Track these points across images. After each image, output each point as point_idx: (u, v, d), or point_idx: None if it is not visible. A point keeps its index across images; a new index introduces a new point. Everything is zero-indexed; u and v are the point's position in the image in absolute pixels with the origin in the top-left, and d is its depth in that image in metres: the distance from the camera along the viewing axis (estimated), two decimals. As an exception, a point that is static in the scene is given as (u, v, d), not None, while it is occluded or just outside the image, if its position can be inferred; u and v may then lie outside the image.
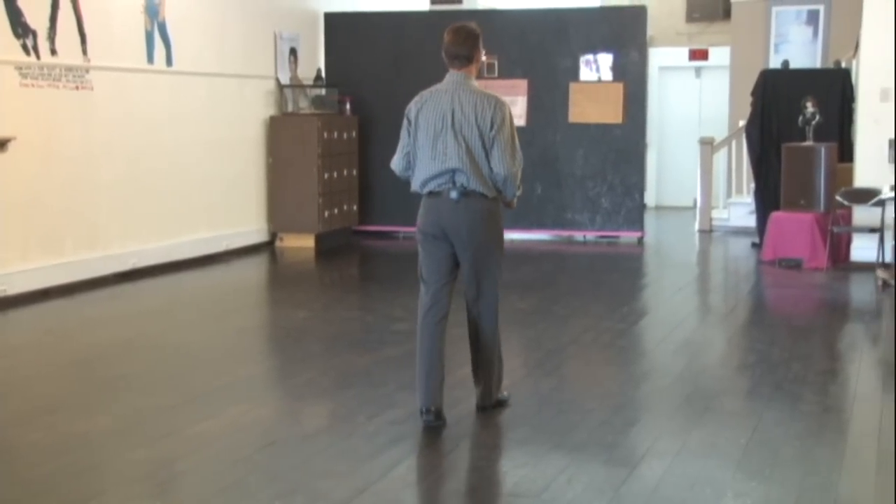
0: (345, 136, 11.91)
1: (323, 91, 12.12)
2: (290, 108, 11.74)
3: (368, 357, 6.57)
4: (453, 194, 5.04)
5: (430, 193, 5.11)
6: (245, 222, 11.24)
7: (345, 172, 11.91)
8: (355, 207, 12.24)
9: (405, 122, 5.23)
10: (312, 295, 9.01)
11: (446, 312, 5.19)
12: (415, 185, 5.20)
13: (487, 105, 5.04)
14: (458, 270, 5.21)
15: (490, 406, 5.33)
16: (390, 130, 12.53)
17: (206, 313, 8.13)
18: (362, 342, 7.07)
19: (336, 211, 11.73)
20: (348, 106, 12.17)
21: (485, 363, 5.28)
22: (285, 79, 11.80)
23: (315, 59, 12.48)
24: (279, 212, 11.50)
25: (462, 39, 5.11)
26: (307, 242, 11.44)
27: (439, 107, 5.10)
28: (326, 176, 11.48)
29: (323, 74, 12.34)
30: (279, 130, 11.46)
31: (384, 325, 7.55)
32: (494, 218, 5.13)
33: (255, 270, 10.59)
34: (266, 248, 11.42)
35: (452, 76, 5.17)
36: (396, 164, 5.29)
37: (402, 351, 6.69)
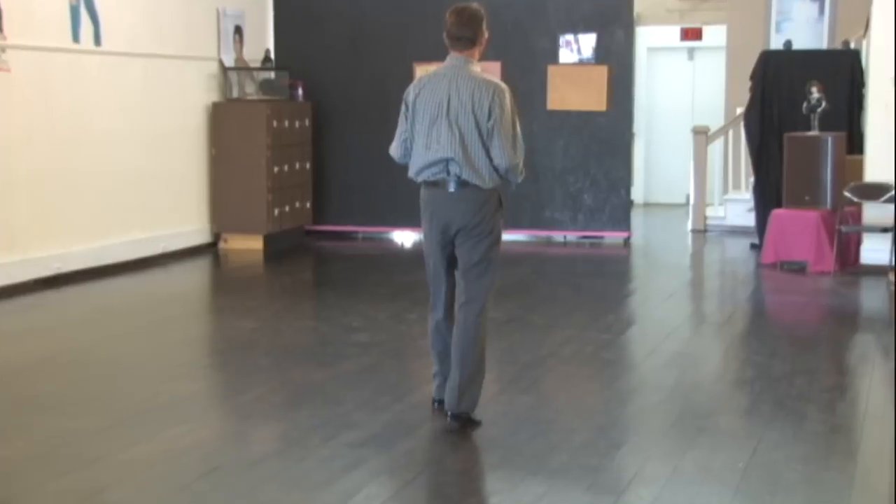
0: (297, 124, 11.88)
1: (272, 74, 12.08)
2: (234, 94, 11.70)
3: (323, 372, 6.55)
4: (450, 186, 5.35)
5: (426, 184, 5.45)
6: (184, 221, 11.18)
7: (297, 166, 11.88)
8: (309, 205, 12.21)
9: (403, 106, 5.52)
10: (260, 303, 8.97)
11: (445, 311, 5.56)
12: (411, 173, 5.52)
13: (486, 92, 5.30)
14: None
15: (459, 417, 5.38)
16: (348, 118, 12.69)
17: (139, 324, 8.08)
18: (317, 355, 7.05)
19: (287, 209, 11.70)
20: (301, 91, 12.13)
21: (461, 370, 5.40)
22: (229, 60, 11.75)
23: (263, 39, 12.44)
24: (223, 210, 11.45)
25: (466, 21, 5.39)
26: (255, 244, 11.40)
27: (437, 92, 5.38)
28: (276, 169, 11.44)
29: (272, 55, 12.30)
30: (223, 118, 11.41)
31: (341, 336, 7.53)
32: (490, 212, 5.39)
33: (195, 275, 10.52)
34: (208, 250, 11.37)
35: (453, 59, 5.45)
36: (395, 150, 5.61)
37: (360, 365, 6.68)
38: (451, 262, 5.51)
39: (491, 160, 5.32)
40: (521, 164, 5.40)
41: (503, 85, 5.40)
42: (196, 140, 11.34)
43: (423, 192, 5.50)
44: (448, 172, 5.35)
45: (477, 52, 5.46)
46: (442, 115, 5.35)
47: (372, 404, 5.83)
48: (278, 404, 5.92)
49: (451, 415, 5.41)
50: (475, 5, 5.44)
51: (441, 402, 5.59)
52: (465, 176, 5.32)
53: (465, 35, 5.40)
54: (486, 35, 5.48)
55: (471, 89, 5.33)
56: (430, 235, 5.51)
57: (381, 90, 12.17)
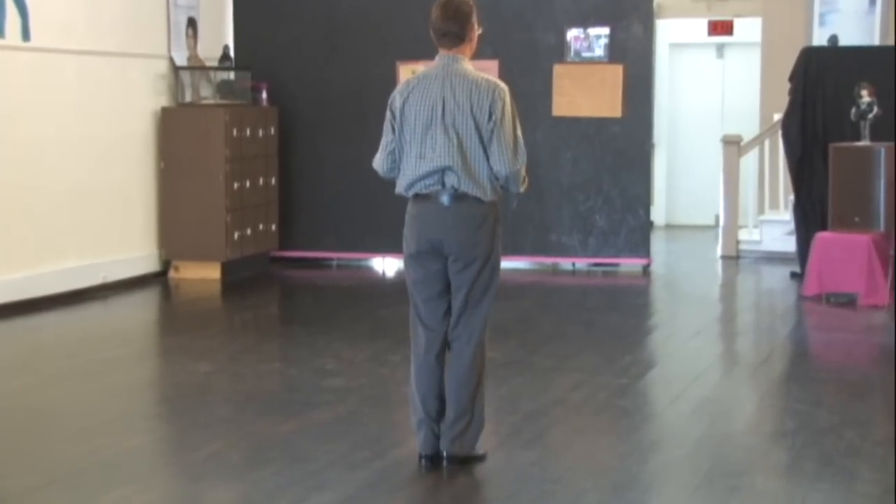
0: (260, 133, 11.90)
1: (231, 75, 12.10)
2: (187, 97, 11.71)
3: (291, 423, 6.53)
4: (444, 198, 5.51)
5: (417, 196, 5.59)
6: (128, 247, 11.17)
7: (261, 181, 11.89)
8: (274, 227, 12.20)
9: (388, 114, 5.67)
10: (217, 342, 8.95)
11: (446, 343, 5.67)
12: (399, 188, 5.67)
13: (485, 92, 5.50)
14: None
15: (456, 458, 5.60)
16: (321, 126, 12.71)
17: (75, 367, 8.04)
18: (283, 404, 7.03)
19: (249, 232, 11.69)
20: (265, 94, 12.15)
21: (457, 407, 5.59)
22: (181, 59, 11.77)
23: (221, 34, 12.47)
24: (174, 233, 11.44)
25: (452, 13, 5.56)
26: (211, 273, 11.39)
27: (428, 96, 5.55)
28: (236, 186, 11.45)
29: (231, 53, 12.33)
30: (174, 126, 11.42)
31: (312, 381, 7.52)
32: (490, 228, 5.58)
33: (141, 310, 10.50)
34: (156, 280, 11.36)
35: (442, 58, 5.63)
36: (379, 163, 5.76)
37: (334, 415, 6.67)
38: (445, 287, 5.64)
39: (490, 168, 5.50)
40: (522, 171, 5.59)
41: (502, 84, 5.57)
42: (142, 151, 11.34)
43: (411, 206, 5.63)
44: (443, 184, 5.51)
45: (468, 48, 5.63)
46: (436, 119, 5.50)
47: (348, 461, 5.82)
48: (238, 462, 5.90)
49: (447, 455, 5.62)
50: None
51: (430, 457, 5.65)
52: (462, 187, 5.49)
53: (452, 30, 5.57)
54: (477, 30, 5.64)
55: (468, 89, 5.50)
56: (417, 256, 5.61)
57: (359, 93, 12.20)
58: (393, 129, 5.64)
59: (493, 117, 5.47)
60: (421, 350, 5.71)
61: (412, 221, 5.63)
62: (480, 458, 5.70)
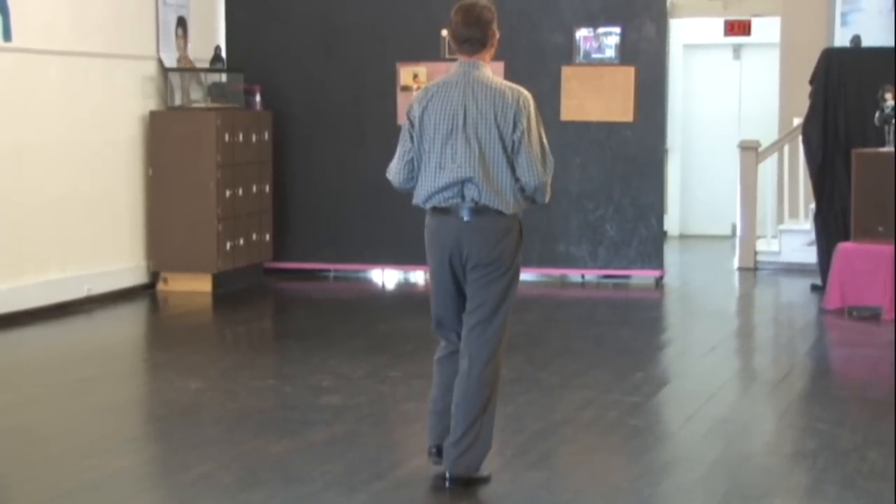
0: (254, 138, 11.91)
1: (223, 77, 12.12)
2: (177, 101, 11.73)
3: (285, 443, 6.53)
4: (463, 213, 5.62)
5: (435, 210, 5.69)
6: (114, 258, 11.18)
7: (254, 189, 11.90)
8: (268, 237, 12.22)
9: (406, 123, 5.76)
10: (208, 358, 8.96)
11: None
12: (417, 199, 5.76)
13: (510, 99, 5.60)
14: None
15: (458, 479, 5.64)
16: (317, 131, 12.72)
17: (58, 385, 8.04)
18: (277, 423, 7.04)
19: (241, 242, 11.70)
20: (258, 98, 12.17)
21: (464, 423, 5.62)
22: (171, 60, 11.79)
23: (212, 34, 12.49)
24: (162, 243, 11.45)
25: (474, 20, 5.65)
26: (201, 285, 11.39)
27: (449, 104, 5.64)
28: (228, 193, 11.46)
29: (223, 54, 12.35)
30: (163, 131, 11.44)
31: (307, 398, 7.52)
32: (511, 243, 5.70)
33: (128, 324, 10.50)
34: (144, 293, 11.36)
35: (463, 65, 5.71)
36: (395, 174, 5.82)
37: (330, 434, 6.67)
38: (464, 300, 5.77)
39: (517, 179, 5.60)
40: (548, 183, 5.69)
41: (526, 91, 5.68)
42: (129, 157, 11.35)
43: (429, 219, 5.73)
44: (463, 197, 5.60)
45: (488, 54, 5.73)
46: (458, 128, 5.60)
47: (345, 483, 5.82)
48: (230, 484, 5.89)
49: (448, 476, 5.66)
50: (485, 1, 5.70)
51: (439, 449, 5.75)
52: (484, 200, 5.59)
53: (474, 36, 5.66)
54: (497, 35, 5.75)
55: (491, 97, 5.60)
56: (438, 270, 5.76)
57: (357, 97, 12.23)
58: (411, 137, 5.71)
59: (520, 127, 5.57)
60: (437, 357, 5.90)
61: (432, 236, 5.74)
62: (485, 480, 5.72)
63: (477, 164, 5.57)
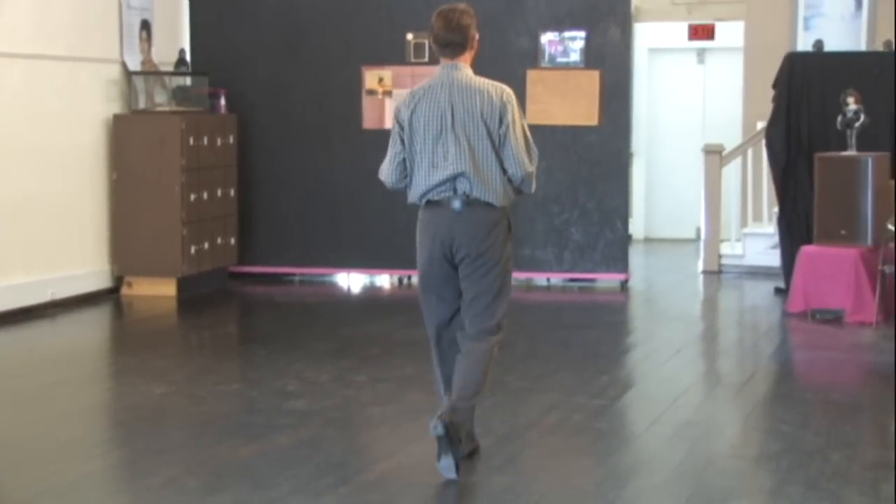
0: (219, 141, 11.89)
1: (188, 80, 12.08)
2: (141, 104, 11.69)
3: (251, 448, 6.53)
4: (456, 204, 5.94)
5: (429, 203, 6.02)
6: (78, 262, 11.13)
7: (219, 193, 11.87)
8: (233, 241, 12.19)
9: (396, 126, 6.09)
10: (173, 362, 8.93)
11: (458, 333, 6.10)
12: (412, 198, 6.10)
13: (495, 96, 5.97)
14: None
15: (451, 424, 5.87)
16: (282, 135, 12.69)
17: (22, 390, 8.02)
18: (242, 427, 7.02)
19: (206, 246, 11.68)
20: (223, 101, 12.15)
21: (462, 389, 6.00)
22: (134, 63, 11.76)
23: (177, 37, 12.46)
24: (126, 247, 11.41)
25: (455, 25, 6.01)
26: (166, 290, 11.36)
27: (436, 105, 5.98)
28: (193, 197, 11.43)
29: (188, 57, 12.32)
30: (126, 134, 11.40)
31: (272, 403, 7.51)
32: (501, 234, 6.05)
33: (91, 329, 10.46)
34: (108, 297, 11.32)
35: (445, 68, 6.07)
36: (387, 175, 6.15)
37: (296, 438, 6.66)
38: (457, 290, 6.08)
39: (504, 171, 5.96)
40: (534, 174, 6.06)
41: (507, 87, 6.07)
42: (92, 161, 11.31)
43: (422, 212, 6.07)
44: (455, 190, 5.95)
45: (469, 56, 6.10)
46: (447, 128, 5.95)
47: (311, 487, 5.82)
48: (195, 489, 5.89)
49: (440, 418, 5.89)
50: (463, 6, 6.06)
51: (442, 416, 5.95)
52: (475, 193, 5.94)
53: (455, 40, 6.03)
54: (477, 37, 6.11)
55: (477, 95, 5.97)
56: (430, 260, 6.04)
57: (322, 100, 12.22)
58: (401, 140, 6.04)
59: (505, 122, 5.93)
60: (432, 344, 6.23)
61: (424, 227, 6.05)
62: (476, 448, 6.21)
63: (468, 160, 5.90)
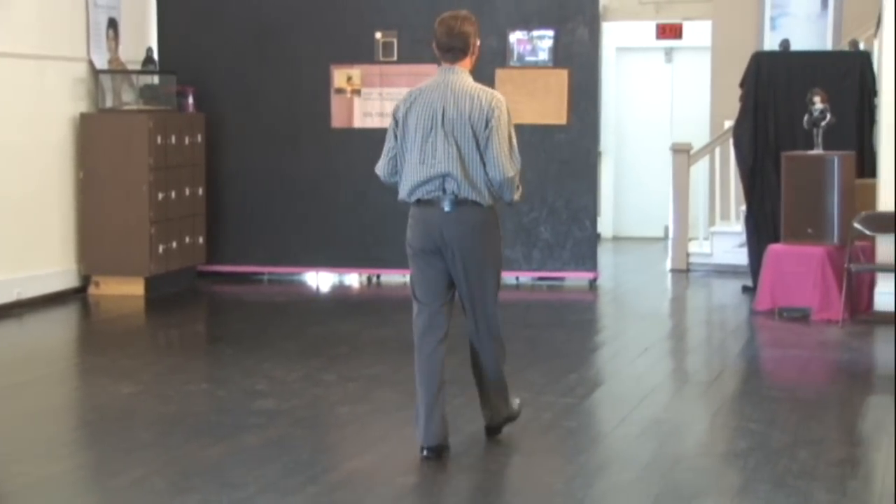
0: (187, 140, 11.86)
1: (155, 79, 12.05)
2: (108, 103, 11.65)
3: (219, 447, 6.52)
4: (445, 204, 6.19)
5: (419, 202, 6.26)
6: (44, 262, 11.09)
7: (187, 192, 11.84)
8: (201, 240, 12.17)
9: (392, 122, 6.36)
10: (141, 362, 8.90)
11: (445, 334, 6.40)
12: (402, 194, 6.33)
13: (484, 101, 6.20)
14: (455, 289, 6.39)
15: (499, 425, 6.59)
16: (251, 133, 12.66)
17: (-11, 389, 7.98)
18: (211, 427, 7.00)
19: (174, 245, 11.65)
20: (191, 100, 12.12)
21: (490, 393, 6.55)
22: (101, 62, 11.72)
23: (144, 35, 12.42)
24: (94, 247, 11.37)
25: (458, 32, 6.28)
26: (133, 289, 11.33)
27: (430, 105, 6.23)
28: (161, 196, 11.40)
29: (155, 56, 12.28)
30: (93, 133, 11.36)
31: (242, 402, 7.49)
32: (490, 230, 6.32)
33: (58, 328, 10.42)
34: (75, 297, 11.28)
35: (443, 71, 6.33)
36: (381, 168, 6.42)
37: (264, 438, 6.65)
38: (448, 284, 6.35)
39: (486, 173, 6.17)
40: (517, 180, 6.24)
41: (500, 94, 6.31)
42: (59, 160, 11.27)
43: (413, 210, 6.30)
44: (444, 190, 6.19)
45: (469, 61, 6.36)
46: (437, 127, 6.19)
47: (279, 487, 5.81)
48: (163, 489, 5.87)
49: (487, 427, 6.59)
50: (465, 13, 6.35)
51: (431, 449, 6.18)
52: (463, 193, 6.18)
53: (456, 46, 6.29)
54: (478, 43, 6.39)
55: (467, 99, 6.20)
56: (420, 254, 6.28)
57: (291, 99, 12.20)
58: (395, 136, 6.30)
59: (490, 125, 6.14)
60: (417, 338, 6.38)
61: (415, 224, 6.27)
62: (516, 415, 6.71)
63: (455, 161, 6.14)
